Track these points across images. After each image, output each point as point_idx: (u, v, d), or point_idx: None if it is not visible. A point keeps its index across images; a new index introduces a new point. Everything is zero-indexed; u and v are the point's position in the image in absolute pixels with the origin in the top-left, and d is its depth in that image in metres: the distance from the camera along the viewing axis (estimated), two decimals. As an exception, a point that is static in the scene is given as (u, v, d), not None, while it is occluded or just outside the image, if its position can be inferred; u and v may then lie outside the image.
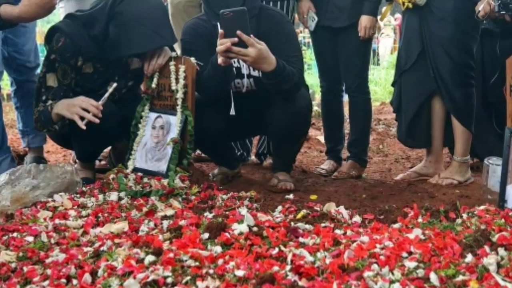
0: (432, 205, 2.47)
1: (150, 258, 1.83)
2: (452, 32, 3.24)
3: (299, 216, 2.35)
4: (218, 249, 1.91)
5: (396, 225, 2.21)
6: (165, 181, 2.82)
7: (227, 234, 2.04)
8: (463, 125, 3.34)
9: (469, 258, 1.74)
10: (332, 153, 3.89)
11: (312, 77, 8.82)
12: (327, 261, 1.77)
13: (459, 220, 2.24)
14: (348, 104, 3.78)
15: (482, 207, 2.38)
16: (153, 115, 3.10)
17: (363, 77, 3.71)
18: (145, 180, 2.90)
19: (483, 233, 1.90)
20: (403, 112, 3.52)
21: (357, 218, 2.36)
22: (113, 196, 2.71)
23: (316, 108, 5.22)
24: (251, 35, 2.67)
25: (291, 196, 2.82)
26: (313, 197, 2.94)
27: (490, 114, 3.69)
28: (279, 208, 2.51)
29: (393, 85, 3.68)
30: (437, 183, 3.34)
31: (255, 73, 3.03)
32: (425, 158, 3.62)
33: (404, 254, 1.82)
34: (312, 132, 5.13)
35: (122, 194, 2.74)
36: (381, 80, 9.48)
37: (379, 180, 3.60)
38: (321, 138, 4.70)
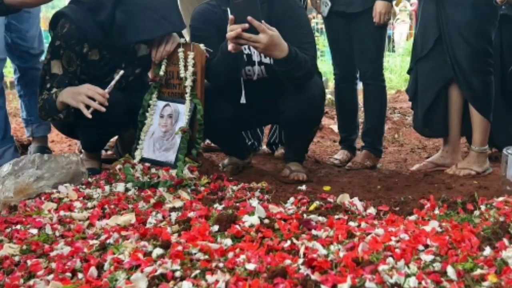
0: (449, 197, 2.44)
1: (158, 251, 1.79)
2: (470, 17, 3.16)
3: (311, 207, 2.32)
4: (228, 242, 1.87)
5: (412, 217, 2.16)
6: (173, 172, 2.78)
7: (237, 226, 2.00)
8: (481, 113, 3.27)
9: (487, 251, 1.71)
10: (346, 142, 3.83)
11: (325, 64, 8.82)
12: (341, 254, 1.73)
13: (477, 212, 2.20)
14: (363, 92, 3.74)
15: (500, 199, 2.32)
16: (161, 103, 3.05)
17: (378, 64, 3.66)
18: (153, 170, 2.86)
19: (501, 226, 1.86)
20: (419, 100, 3.47)
21: (371, 210, 2.30)
22: (120, 187, 2.66)
23: (329, 96, 5.18)
24: (263, 21, 2.62)
25: (303, 187, 2.78)
26: (326, 188, 2.89)
27: (509, 102, 3.61)
28: (291, 199, 2.47)
29: (409, 72, 3.63)
30: (454, 173, 3.29)
31: (267, 60, 2.99)
32: (442, 148, 3.56)
33: (420, 247, 1.78)
34: (325, 121, 5.11)
35: (129, 185, 2.69)
36: (396, 68, 9.44)
37: (395, 171, 3.54)
38: (335, 127, 4.67)
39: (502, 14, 3.40)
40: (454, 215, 2.18)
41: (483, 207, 2.25)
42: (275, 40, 2.65)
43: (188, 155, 2.93)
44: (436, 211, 2.23)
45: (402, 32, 13.41)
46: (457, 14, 3.18)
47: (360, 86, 3.82)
